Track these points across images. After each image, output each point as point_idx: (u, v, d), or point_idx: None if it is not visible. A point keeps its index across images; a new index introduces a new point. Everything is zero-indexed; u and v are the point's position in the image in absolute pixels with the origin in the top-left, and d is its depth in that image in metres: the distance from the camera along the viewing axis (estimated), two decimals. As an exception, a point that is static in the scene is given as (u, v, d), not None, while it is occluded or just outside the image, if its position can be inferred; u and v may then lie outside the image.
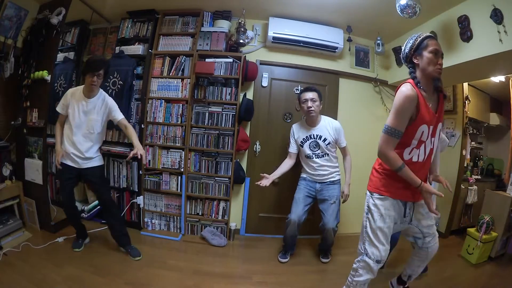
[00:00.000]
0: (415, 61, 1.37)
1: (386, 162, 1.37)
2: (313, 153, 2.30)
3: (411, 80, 1.35)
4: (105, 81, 2.59)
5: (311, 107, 2.23)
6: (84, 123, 2.05)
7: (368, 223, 1.47)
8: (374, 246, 1.44)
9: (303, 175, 2.43)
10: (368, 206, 1.49)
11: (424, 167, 1.45)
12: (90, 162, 2.11)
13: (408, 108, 1.29)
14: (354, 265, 1.53)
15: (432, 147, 1.42)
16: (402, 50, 1.44)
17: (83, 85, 2.08)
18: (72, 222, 2.27)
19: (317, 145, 2.30)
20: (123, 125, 2.15)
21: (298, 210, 2.29)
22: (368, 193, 1.52)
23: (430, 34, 1.38)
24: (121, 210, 2.74)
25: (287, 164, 2.42)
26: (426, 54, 1.32)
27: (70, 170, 2.07)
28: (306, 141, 2.33)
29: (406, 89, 1.29)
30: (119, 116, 2.14)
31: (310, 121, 2.33)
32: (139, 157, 1.96)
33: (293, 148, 2.42)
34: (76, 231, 2.27)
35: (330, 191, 2.30)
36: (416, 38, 1.38)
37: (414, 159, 1.39)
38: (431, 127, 1.36)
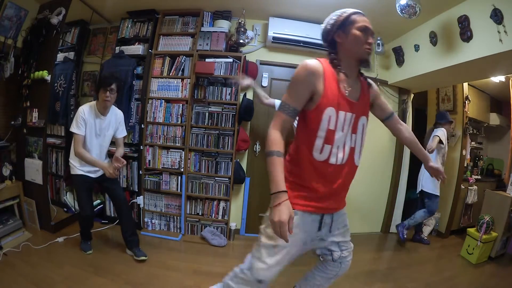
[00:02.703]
0: (338, 39, 1.13)
1: (266, 142, 1.07)
2: None
3: (323, 58, 1.14)
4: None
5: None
6: (100, 139, 2.08)
7: (264, 238, 1.13)
8: (260, 260, 1.12)
9: None
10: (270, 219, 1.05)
11: (345, 173, 1.13)
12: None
13: (304, 80, 1.06)
14: (236, 268, 1.21)
15: (353, 146, 1.14)
16: (323, 26, 1.19)
17: (95, 102, 2.06)
18: (87, 229, 2.24)
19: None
20: (120, 143, 2.19)
21: None
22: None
23: (358, 10, 1.15)
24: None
25: None
26: (353, 31, 1.10)
27: (90, 179, 2.09)
28: None
29: (309, 61, 1.08)
30: (123, 133, 2.22)
31: None
32: (112, 173, 1.99)
33: None
34: (86, 234, 2.25)
35: None
36: (341, 13, 1.14)
37: (332, 160, 1.09)
38: (348, 115, 1.09)
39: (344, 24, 1.11)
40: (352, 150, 1.14)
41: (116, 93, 2.03)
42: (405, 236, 2.86)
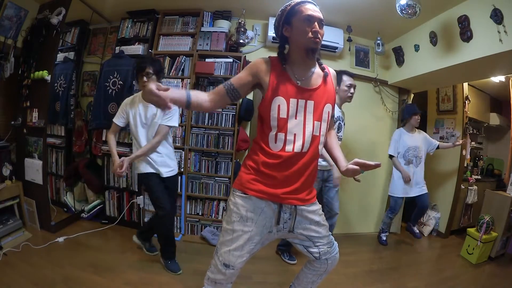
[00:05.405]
0: (286, 34, 1.13)
1: None
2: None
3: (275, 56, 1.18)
4: (105, 81, 2.61)
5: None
6: (147, 128, 1.93)
7: (224, 222, 1.19)
8: (223, 244, 1.16)
9: None
10: (228, 204, 1.21)
11: (304, 161, 1.12)
12: (171, 171, 2.03)
13: (249, 69, 1.14)
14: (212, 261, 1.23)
15: (317, 134, 1.13)
16: (274, 23, 1.21)
17: (138, 93, 1.99)
18: (171, 235, 2.07)
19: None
20: (159, 131, 1.92)
21: None
22: (232, 190, 1.22)
23: (305, 0, 1.10)
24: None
25: None
26: (296, 23, 1.09)
27: (158, 177, 1.97)
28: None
29: (262, 57, 1.16)
30: (170, 122, 1.95)
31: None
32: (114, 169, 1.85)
33: None
34: (170, 247, 2.08)
35: (332, 177, 2.26)
36: (285, 6, 1.11)
37: (288, 148, 1.10)
38: (301, 102, 1.10)
39: (288, 17, 1.11)
40: (315, 138, 1.13)
41: (154, 76, 1.86)
42: (384, 239, 2.91)
